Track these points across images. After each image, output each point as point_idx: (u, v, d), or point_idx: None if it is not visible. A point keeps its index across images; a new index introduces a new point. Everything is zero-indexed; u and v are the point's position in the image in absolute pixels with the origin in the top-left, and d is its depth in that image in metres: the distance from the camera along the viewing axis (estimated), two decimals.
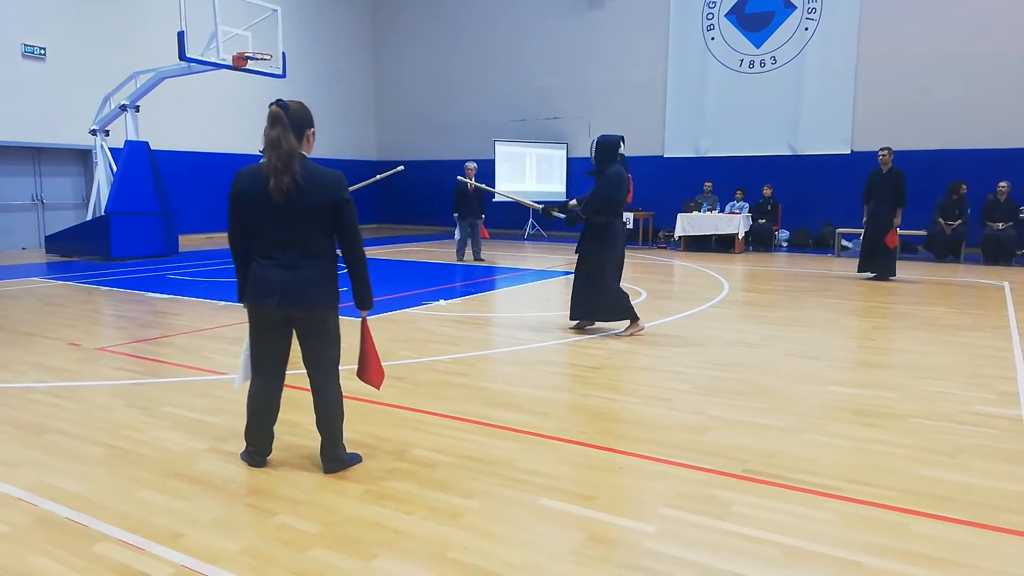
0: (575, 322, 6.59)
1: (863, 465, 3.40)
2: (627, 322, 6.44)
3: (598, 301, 6.30)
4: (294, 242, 3.14)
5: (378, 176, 8.09)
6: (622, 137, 6.42)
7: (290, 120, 3.07)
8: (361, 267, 3.25)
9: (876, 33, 14.99)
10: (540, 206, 7.27)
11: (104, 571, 2.45)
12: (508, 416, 4.10)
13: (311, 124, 3.19)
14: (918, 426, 3.96)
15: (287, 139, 3.04)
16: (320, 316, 3.24)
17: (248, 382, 3.38)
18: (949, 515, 2.88)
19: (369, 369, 3.46)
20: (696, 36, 16.95)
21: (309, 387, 3.33)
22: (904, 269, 11.51)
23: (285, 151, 3.03)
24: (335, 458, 3.33)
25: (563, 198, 6.32)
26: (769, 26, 16.18)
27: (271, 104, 3.11)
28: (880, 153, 10.05)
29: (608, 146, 6.31)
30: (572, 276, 6.60)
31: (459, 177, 8.33)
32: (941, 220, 12.94)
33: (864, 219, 10.33)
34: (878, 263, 10.17)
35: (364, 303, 3.33)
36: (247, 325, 3.31)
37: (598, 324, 6.61)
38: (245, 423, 3.38)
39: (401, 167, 8.16)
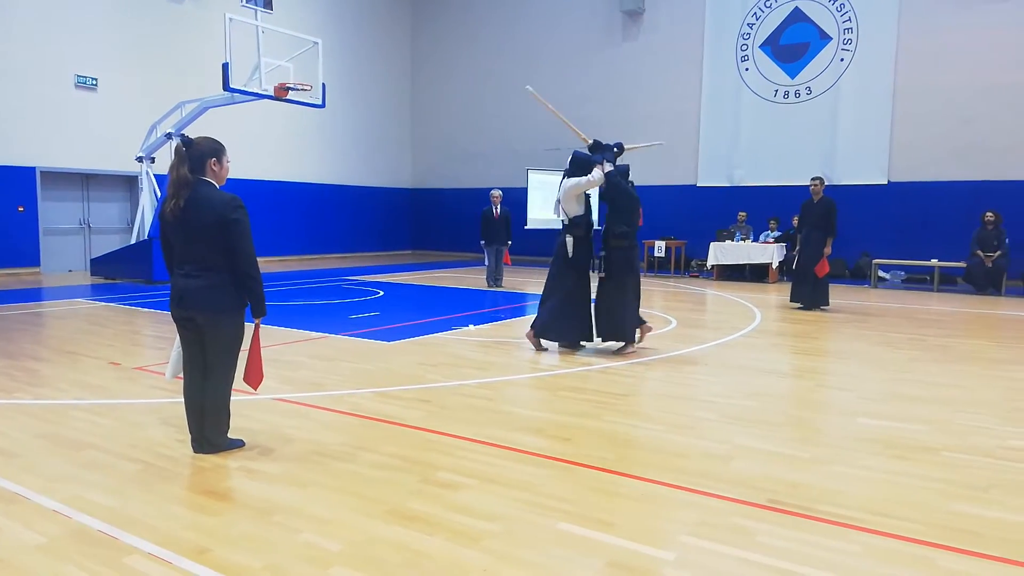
0: (601, 340, 6.84)
1: (891, 498, 3.34)
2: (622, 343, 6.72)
3: (627, 321, 6.61)
4: (189, 255, 3.63)
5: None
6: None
7: (190, 153, 3.58)
8: (250, 279, 3.63)
9: (913, 62, 14.86)
10: (590, 140, 6.94)
11: None
12: (532, 441, 4.12)
13: (213, 154, 3.67)
14: (950, 460, 3.88)
15: (180, 170, 3.55)
16: (212, 320, 3.64)
17: (178, 376, 3.89)
18: (978, 550, 2.82)
19: (249, 370, 3.80)
20: (730, 67, 17.00)
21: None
22: (943, 302, 11.29)
23: (174, 180, 3.56)
24: (204, 441, 3.78)
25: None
26: (804, 57, 16.17)
27: (177, 140, 3.60)
28: (812, 183, 10.10)
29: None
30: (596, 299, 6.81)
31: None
32: (980, 252, 12.68)
33: (795, 249, 10.33)
34: (805, 293, 10.11)
35: (255, 311, 3.71)
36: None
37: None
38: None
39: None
